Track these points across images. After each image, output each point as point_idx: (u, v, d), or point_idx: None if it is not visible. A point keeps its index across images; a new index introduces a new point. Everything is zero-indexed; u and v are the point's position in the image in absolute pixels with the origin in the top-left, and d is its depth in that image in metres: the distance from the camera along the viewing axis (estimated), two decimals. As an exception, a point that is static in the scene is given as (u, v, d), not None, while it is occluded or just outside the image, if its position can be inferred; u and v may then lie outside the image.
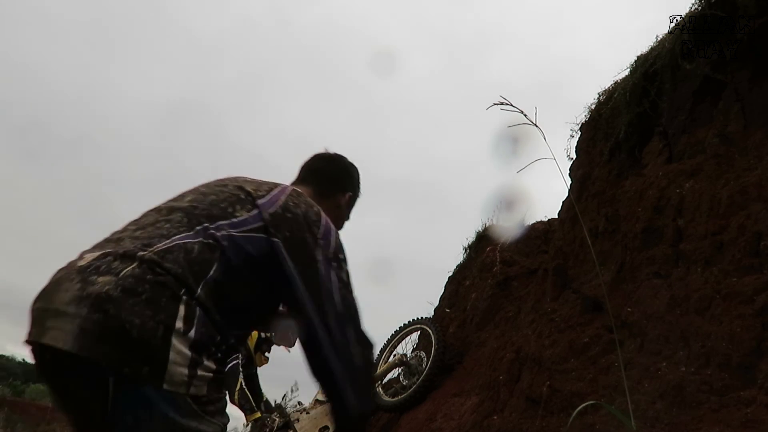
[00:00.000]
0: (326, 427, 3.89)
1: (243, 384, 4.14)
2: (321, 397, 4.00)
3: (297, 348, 1.41)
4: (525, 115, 1.36)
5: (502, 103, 1.38)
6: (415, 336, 4.82)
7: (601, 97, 3.89)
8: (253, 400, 4.12)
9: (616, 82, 3.71)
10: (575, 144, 4.23)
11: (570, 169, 4.23)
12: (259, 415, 4.10)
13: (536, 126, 1.38)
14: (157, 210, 1.30)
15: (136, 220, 1.29)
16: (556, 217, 4.73)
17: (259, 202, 1.31)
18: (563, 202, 4.38)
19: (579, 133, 4.16)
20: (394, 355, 4.63)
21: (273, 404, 4.32)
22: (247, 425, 4.43)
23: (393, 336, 4.80)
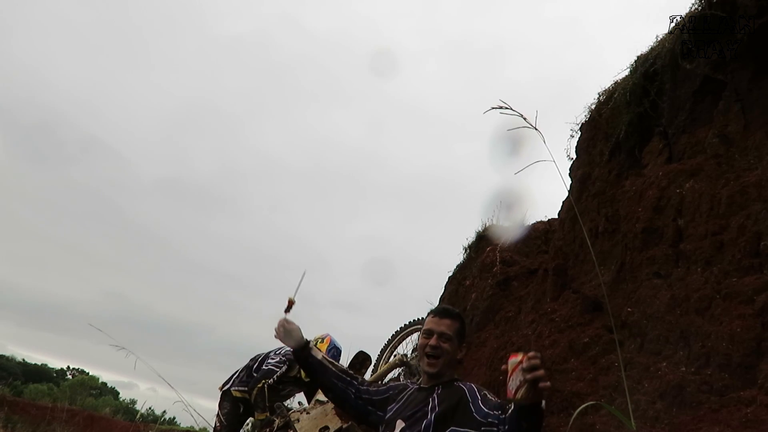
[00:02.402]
0: (326, 428, 3.86)
1: (266, 384, 4.15)
2: (321, 398, 3.98)
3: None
4: (524, 119, 1.37)
5: (501, 107, 1.38)
6: (415, 336, 4.81)
7: (601, 97, 3.88)
8: (268, 400, 4.13)
9: (616, 82, 3.70)
10: (575, 144, 4.23)
11: (570, 169, 4.22)
12: (266, 415, 4.12)
13: (535, 129, 1.38)
14: None
15: None
16: (556, 217, 4.72)
17: None
18: (563, 202, 4.38)
19: (579, 133, 4.16)
20: (395, 356, 4.63)
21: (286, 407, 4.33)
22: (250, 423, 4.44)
23: (394, 336, 4.80)
